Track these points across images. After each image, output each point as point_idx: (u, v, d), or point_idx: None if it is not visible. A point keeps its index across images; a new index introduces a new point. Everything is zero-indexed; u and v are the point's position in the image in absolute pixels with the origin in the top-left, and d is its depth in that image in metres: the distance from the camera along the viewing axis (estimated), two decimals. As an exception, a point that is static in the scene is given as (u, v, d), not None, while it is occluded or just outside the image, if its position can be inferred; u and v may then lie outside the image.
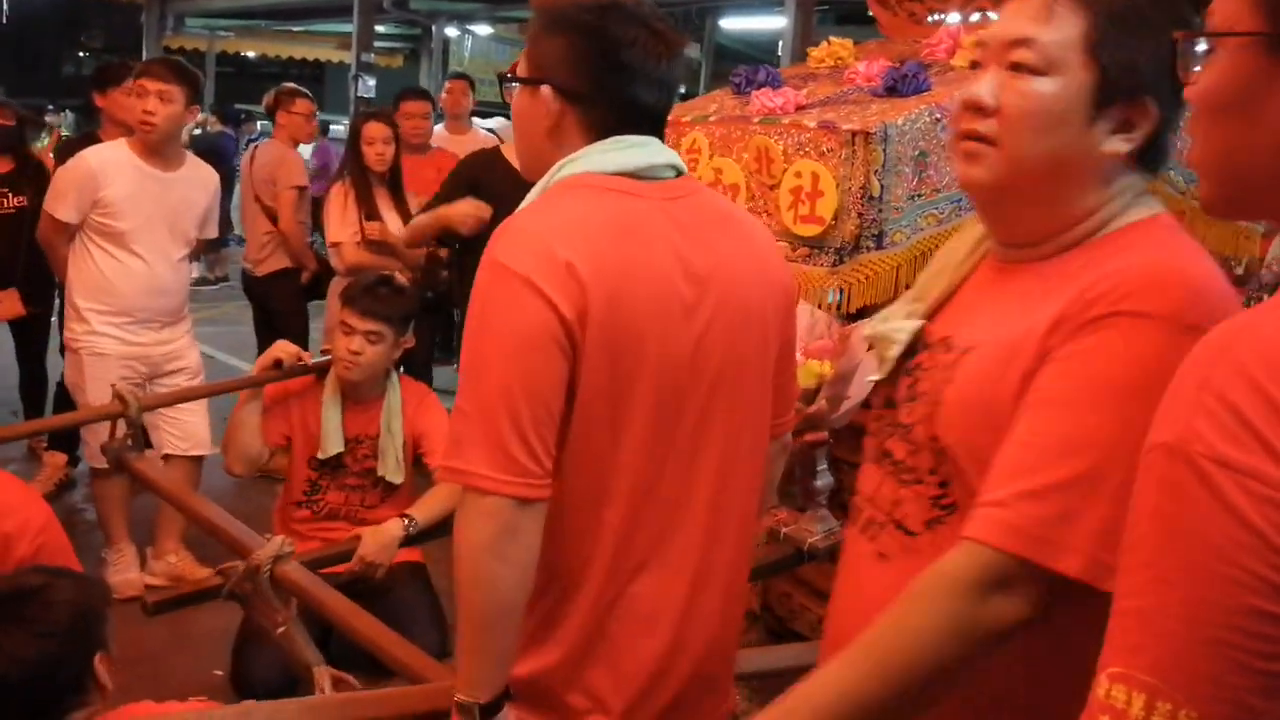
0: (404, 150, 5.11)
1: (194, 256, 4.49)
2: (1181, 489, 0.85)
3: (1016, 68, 1.34)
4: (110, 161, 4.02)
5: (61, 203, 4.01)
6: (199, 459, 4.24)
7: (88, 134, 5.72)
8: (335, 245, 4.92)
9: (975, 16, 3.41)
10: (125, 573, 4.10)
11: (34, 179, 5.03)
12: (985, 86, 1.35)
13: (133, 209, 4.00)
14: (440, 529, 2.97)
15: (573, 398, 1.54)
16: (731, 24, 12.77)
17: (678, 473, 1.62)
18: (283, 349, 3.35)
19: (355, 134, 5.00)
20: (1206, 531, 0.83)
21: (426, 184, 5.12)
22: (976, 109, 1.35)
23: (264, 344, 3.53)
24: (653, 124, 1.65)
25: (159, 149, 4.06)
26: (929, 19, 3.51)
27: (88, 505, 4.74)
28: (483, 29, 15.49)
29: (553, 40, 1.63)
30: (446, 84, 6.77)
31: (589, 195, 1.60)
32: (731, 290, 1.63)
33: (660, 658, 1.65)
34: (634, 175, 1.61)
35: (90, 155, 4.10)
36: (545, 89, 1.62)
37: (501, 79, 1.71)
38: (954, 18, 3.41)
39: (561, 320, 1.50)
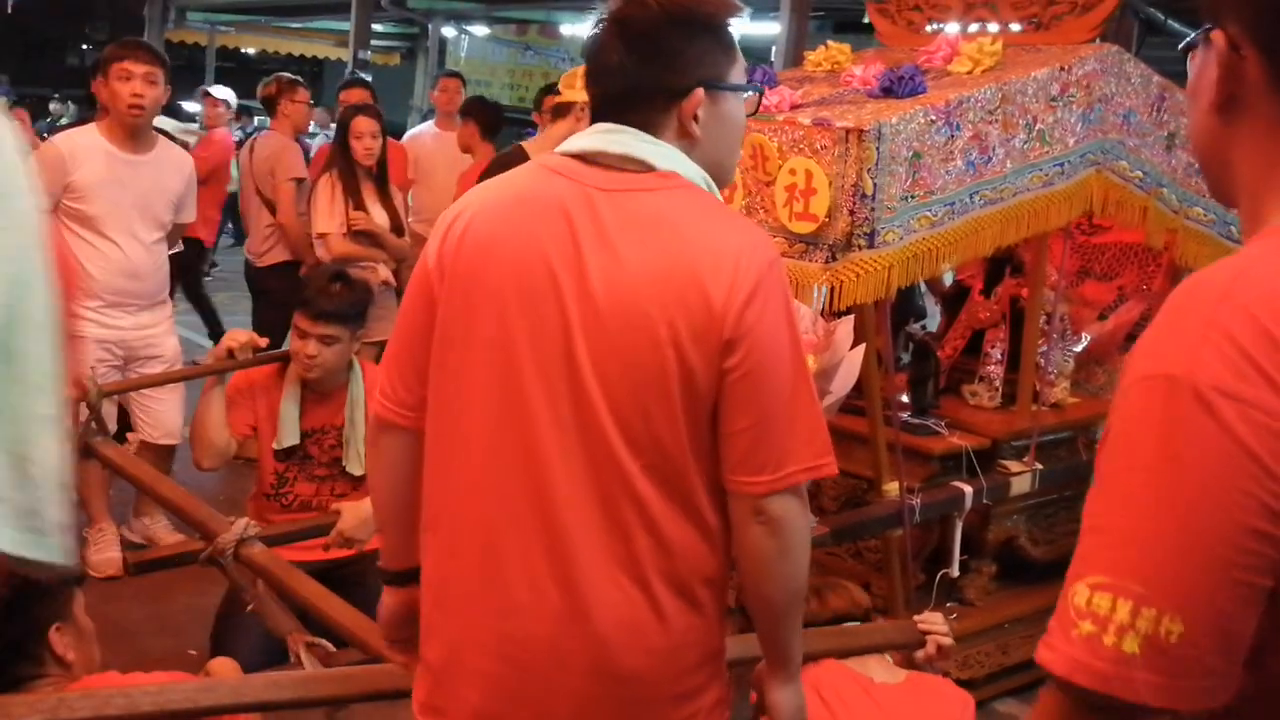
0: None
1: (172, 241, 4.46)
2: (1185, 416, 0.92)
3: None
4: (80, 146, 3.99)
5: None
6: (171, 447, 4.23)
7: (81, 120, 5.70)
8: (322, 236, 4.93)
9: (974, 26, 3.43)
10: (106, 552, 4.10)
11: None
12: None
13: (103, 193, 3.97)
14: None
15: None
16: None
17: (512, 459, 1.58)
18: (233, 338, 3.33)
19: (343, 127, 5.01)
20: (1209, 455, 0.91)
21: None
22: None
23: (262, 335, 3.49)
24: (605, 112, 1.62)
25: (137, 132, 4.05)
26: (927, 28, 3.52)
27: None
28: (479, 29, 15.51)
29: None
30: (439, 81, 6.81)
31: (529, 168, 1.69)
32: (623, 298, 1.53)
33: (438, 633, 1.68)
34: (582, 158, 1.61)
35: (59, 140, 4.08)
36: None
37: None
38: (953, 27, 3.42)
39: (426, 269, 1.65)
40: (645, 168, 1.58)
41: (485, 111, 5.90)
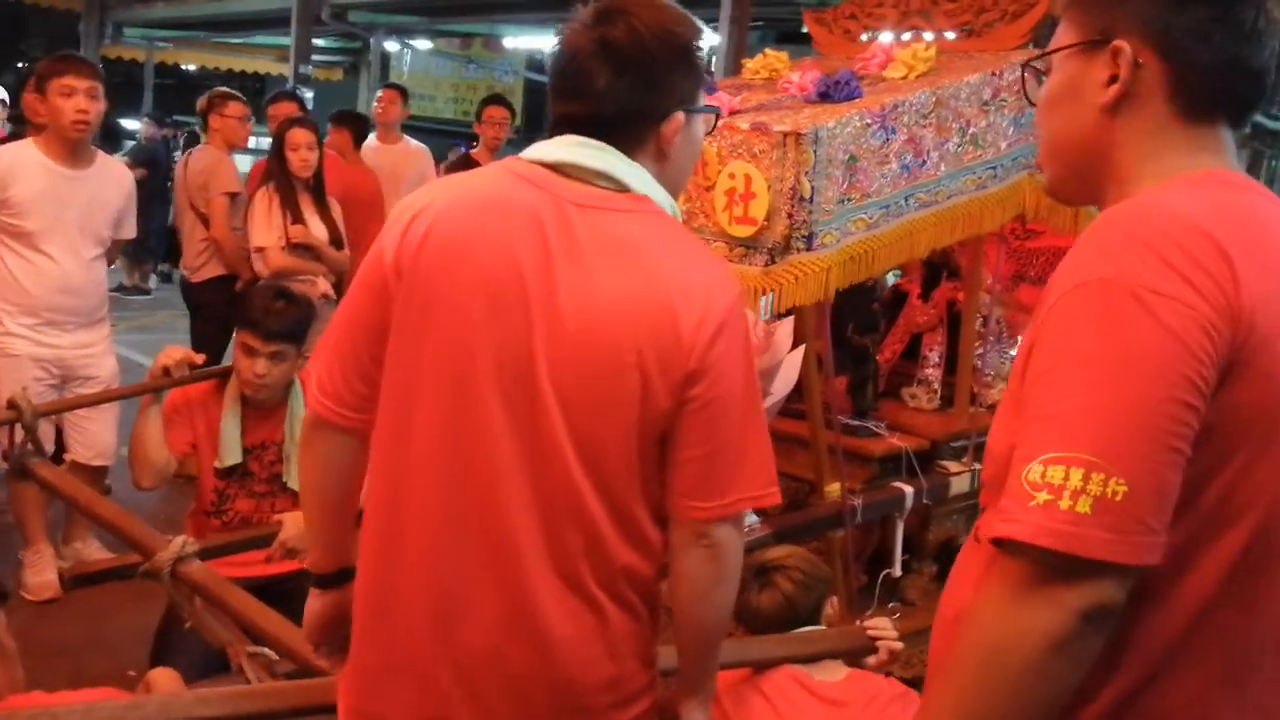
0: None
1: (111, 258, 4.40)
2: (1122, 311, 1.09)
3: None
4: (17, 161, 3.92)
5: None
6: (103, 468, 4.17)
7: (14, 134, 5.59)
8: (260, 250, 4.89)
9: (908, 34, 3.48)
10: (43, 574, 4.00)
11: None
12: None
13: (40, 208, 3.91)
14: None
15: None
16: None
17: (467, 470, 1.57)
18: (169, 355, 3.26)
19: (279, 140, 4.98)
20: (1145, 342, 1.08)
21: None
22: None
23: (201, 351, 3.43)
24: (584, 129, 1.60)
25: (78, 148, 3.99)
26: (863, 36, 3.57)
27: (6, 508, 4.64)
28: (422, 43, 15.45)
29: None
30: (379, 93, 6.79)
31: (492, 171, 1.66)
32: (590, 316, 1.53)
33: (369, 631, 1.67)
34: (554, 169, 1.60)
35: None
36: None
37: None
38: (888, 35, 3.47)
39: (381, 266, 1.59)
40: (620, 188, 1.59)
41: (356, 122, 6.23)
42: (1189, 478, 1.11)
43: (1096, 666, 1.14)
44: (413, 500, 1.60)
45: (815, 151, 2.57)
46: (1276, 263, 1.17)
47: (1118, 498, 1.06)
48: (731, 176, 2.67)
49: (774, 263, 2.60)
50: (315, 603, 1.81)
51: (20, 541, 4.13)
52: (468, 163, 6.05)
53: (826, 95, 2.77)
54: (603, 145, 1.59)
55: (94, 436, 4.10)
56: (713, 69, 7.79)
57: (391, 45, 15.09)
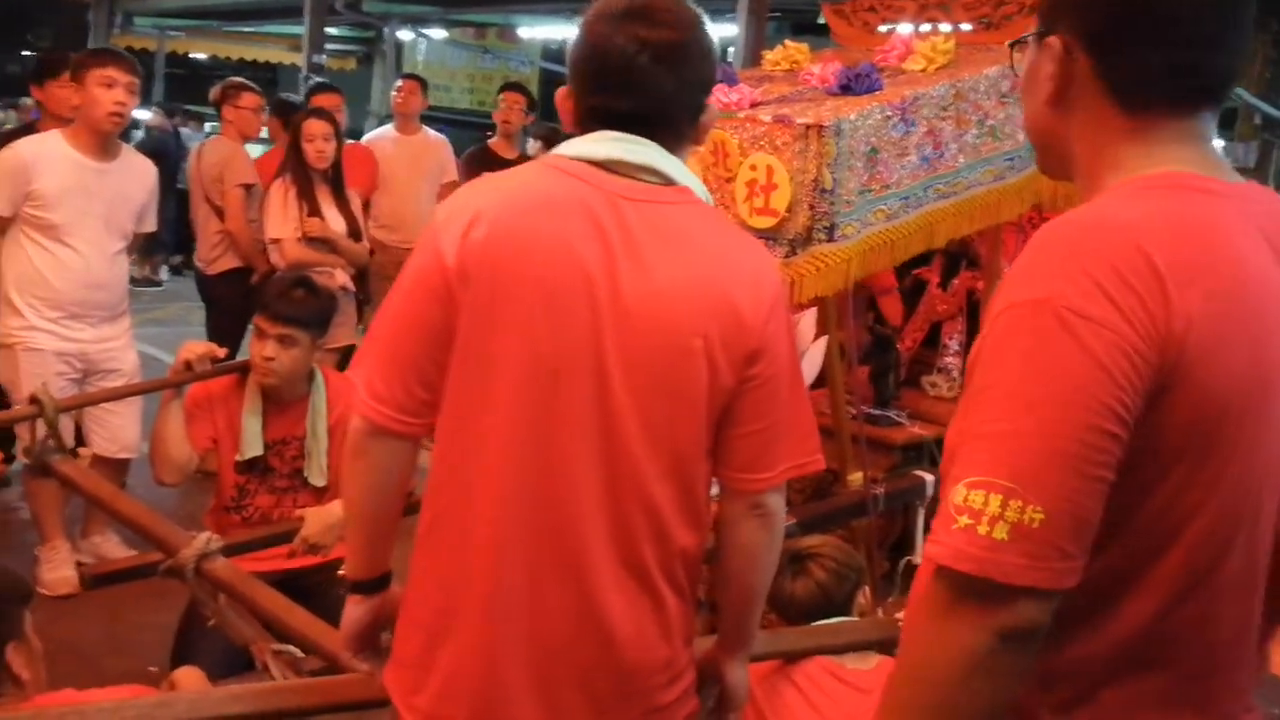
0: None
1: (131, 250, 4.40)
2: (1047, 334, 1.09)
3: None
4: (43, 153, 3.91)
5: None
6: (126, 461, 4.17)
7: (25, 126, 5.56)
8: (276, 241, 4.87)
9: (926, 26, 3.46)
10: (60, 570, 4.01)
11: None
12: None
13: (66, 201, 3.90)
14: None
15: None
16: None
17: (541, 464, 1.60)
18: (190, 350, 3.25)
19: (295, 131, 4.95)
20: (1067, 367, 1.08)
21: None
22: None
23: (217, 344, 3.43)
24: (629, 125, 1.63)
25: (108, 140, 3.99)
26: (881, 28, 3.56)
27: (23, 504, 4.65)
28: (437, 32, 15.42)
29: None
30: (398, 83, 6.74)
31: (539, 169, 1.67)
32: (656, 306, 1.58)
33: (440, 624, 1.67)
34: (599, 165, 1.62)
35: (22, 147, 3.97)
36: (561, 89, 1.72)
37: None
38: (906, 27, 3.45)
39: (443, 270, 1.58)
40: (664, 180, 1.63)
41: (287, 108, 6.15)
42: (1123, 498, 1.11)
43: (1038, 684, 1.17)
44: (484, 497, 1.62)
45: (837, 143, 2.57)
46: (1220, 276, 1.14)
47: (1034, 525, 1.07)
48: (753, 168, 2.67)
49: (794, 254, 2.61)
50: (356, 610, 1.78)
51: (36, 538, 4.14)
52: (487, 153, 6.05)
53: (848, 88, 2.77)
54: (642, 140, 1.63)
55: (118, 430, 4.10)
56: (730, 60, 7.79)
57: (405, 35, 15.05)
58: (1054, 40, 1.25)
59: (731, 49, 7.98)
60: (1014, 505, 1.07)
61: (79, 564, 4.08)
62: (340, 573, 1.79)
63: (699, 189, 1.69)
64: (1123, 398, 1.08)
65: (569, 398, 1.58)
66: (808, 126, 2.58)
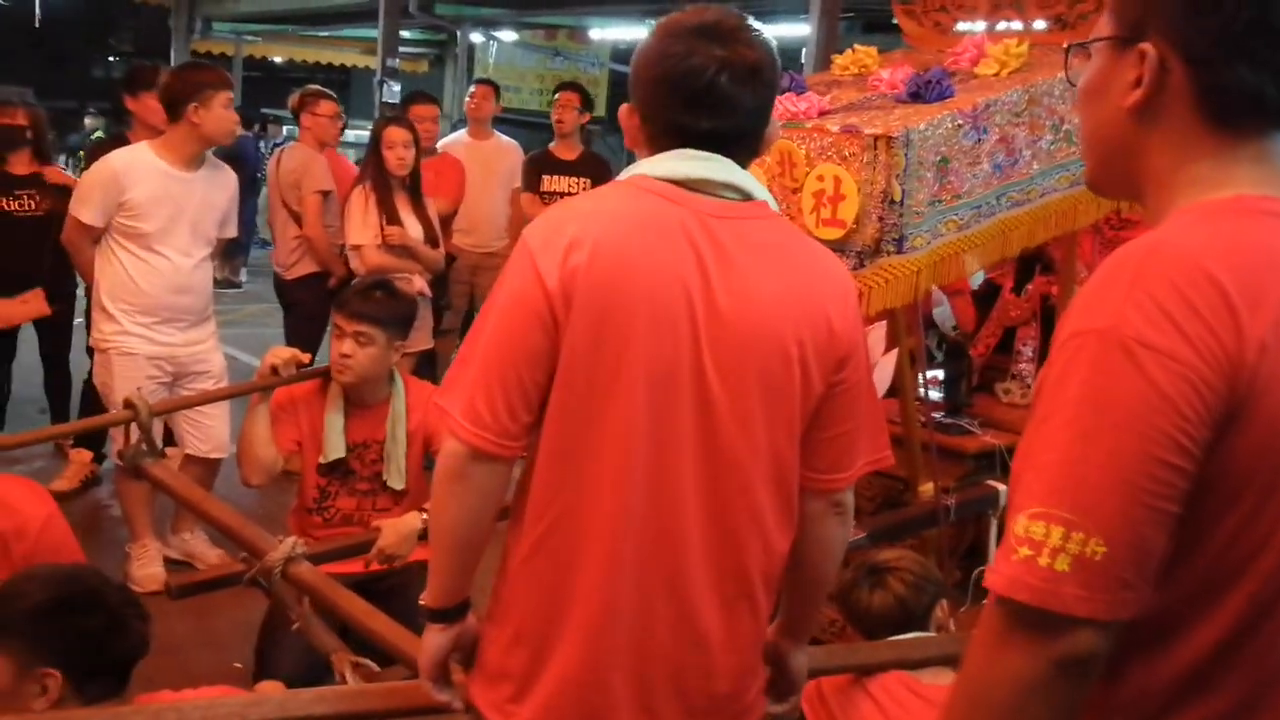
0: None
1: (214, 255, 4.52)
2: (1111, 364, 1.08)
3: None
4: (134, 164, 4.06)
5: (86, 206, 4.06)
6: (218, 460, 4.31)
7: (117, 135, 5.72)
8: (356, 248, 4.97)
9: (1001, 25, 3.43)
10: (149, 567, 4.17)
11: (55, 181, 5.13)
12: None
13: (157, 210, 4.04)
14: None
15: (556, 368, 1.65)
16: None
17: (650, 478, 1.64)
18: (276, 355, 3.33)
19: (376, 138, 5.05)
20: (1130, 398, 1.07)
21: (427, 186, 5.29)
22: None
23: (295, 346, 3.52)
24: (712, 144, 1.67)
25: (200, 153, 4.15)
26: (955, 28, 3.53)
27: (113, 501, 4.80)
28: (508, 35, 15.51)
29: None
30: (471, 89, 6.81)
31: (626, 190, 1.70)
32: (753, 317, 1.63)
33: (549, 632, 1.70)
34: (683, 185, 1.66)
35: (114, 159, 4.13)
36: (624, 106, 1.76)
37: None
38: (980, 25, 3.43)
39: (546, 293, 1.60)
40: (745, 196, 1.69)
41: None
42: (1190, 529, 1.10)
43: (1096, 713, 1.17)
44: (597, 513, 1.65)
45: (906, 154, 2.56)
46: None
47: (1096, 557, 1.07)
48: (820, 179, 2.67)
49: (862, 265, 2.60)
50: (438, 638, 1.78)
51: (126, 535, 4.28)
52: (546, 157, 6.06)
53: (918, 95, 2.76)
54: (722, 158, 1.68)
55: (210, 431, 4.24)
56: (803, 60, 7.71)
57: (477, 37, 15.18)
58: (1148, 48, 1.19)
59: (804, 50, 7.93)
60: (1076, 537, 1.07)
61: (167, 560, 4.26)
62: (421, 601, 1.78)
63: (773, 202, 1.74)
64: (1188, 429, 1.06)
65: (674, 411, 1.63)
66: (875, 137, 2.57)
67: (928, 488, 3.12)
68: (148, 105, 4.83)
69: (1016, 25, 3.40)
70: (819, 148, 2.71)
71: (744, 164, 1.70)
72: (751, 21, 1.69)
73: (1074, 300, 1.16)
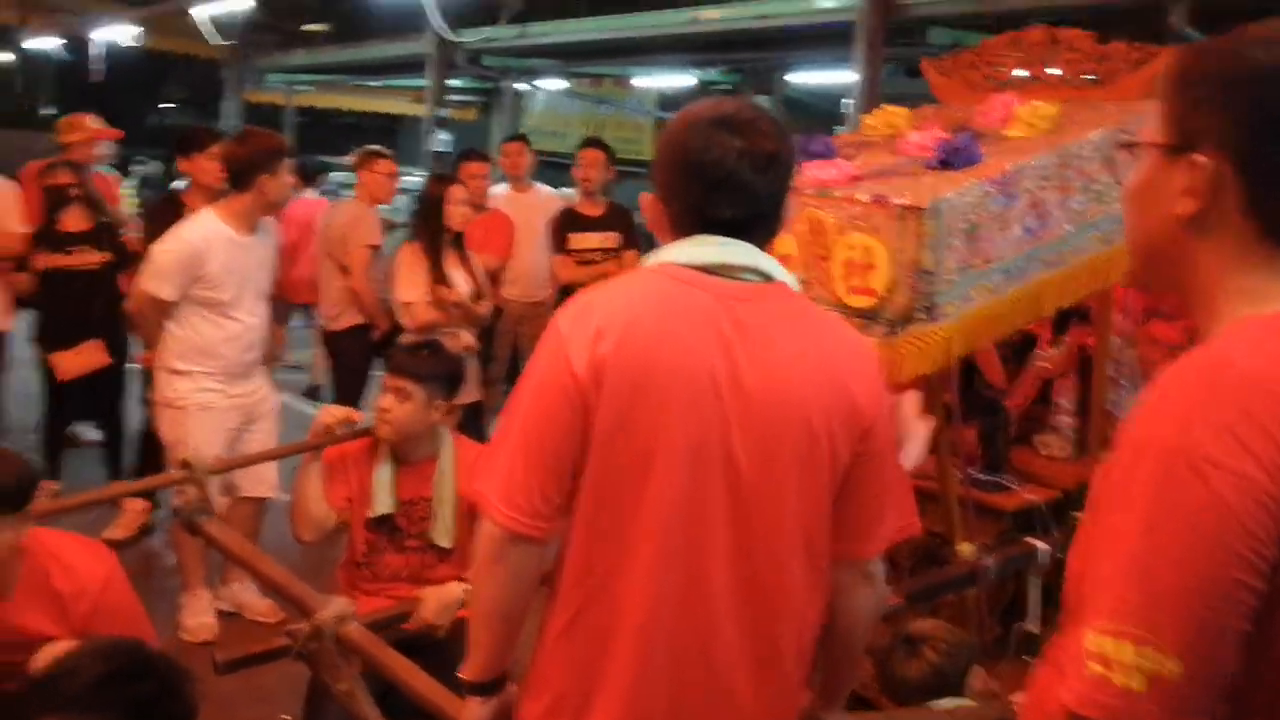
0: None
1: None
2: (1180, 482, 1.08)
3: None
4: (208, 238, 4.21)
5: (166, 284, 4.17)
6: (265, 499, 4.46)
7: (169, 197, 5.85)
8: (407, 305, 5.06)
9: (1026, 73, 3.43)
10: (200, 616, 4.29)
11: (114, 235, 5.32)
12: None
13: (229, 279, 4.22)
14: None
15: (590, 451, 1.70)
16: (800, 78, 12.87)
17: (683, 555, 1.70)
18: (330, 414, 3.41)
19: (434, 197, 5.13)
20: (1201, 517, 1.07)
21: (475, 243, 5.45)
22: None
23: (342, 396, 3.62)
24: (732, 230, 1.75)
25: (263, 219, 4.34)
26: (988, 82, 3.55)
27: (167, 551, 4.90)
28: (555, 83, 15.67)
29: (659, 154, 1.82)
30: (502, 147, 6.92)
31: (651, 276, 1.77)
32: (778, 394, 1.70)
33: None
34: (706, 270, 1.74)
35: (191, 235, 4.21)
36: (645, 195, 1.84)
37: None
38: (1019, 72, 3.42)
39: (575, 377, 1.68)
40: (765, 278, 1.76)
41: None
42: (1259, 644, 1.10)
43: None
44: (632, 587, 1.71)
45: (936, 224, 2.58)
46: None
47: (1175, 677, 1.06)
48: (850, 247, 2.70)
49: (894, 333, 2.62)
50: (480, 710, 1.86)
51: (178, 583, 4.38)
52: (571, 215, 6.12)
53: (947, 163, 2.78)
54: (742, 243, 1.75)
55: (261, 472, 4.39)
56: (844, 108, 7.72)
57: (523, 85, 15.35)
58: (1203, 160, 1.19)
59: (851, 100, 7.98)
60: (1151, 655, 1.07)
61: (217, 611, 4.35)
62: (460, 675, 1.86)
63: (792, 281, 1.81)
64: (1258, 548, 1.07)
65: (705, 489, 1.69)
66: (904, 208, 2.60)
67: (965, 547, 3.12)
68: (202, 166, 5.00)
69: (1056, 71, 3.39)
70: (849, 216, 2.73)
71: (763, 246, 1.78)
72: (767, 112, 1.78)
73: (1138, 409, 1.17)
